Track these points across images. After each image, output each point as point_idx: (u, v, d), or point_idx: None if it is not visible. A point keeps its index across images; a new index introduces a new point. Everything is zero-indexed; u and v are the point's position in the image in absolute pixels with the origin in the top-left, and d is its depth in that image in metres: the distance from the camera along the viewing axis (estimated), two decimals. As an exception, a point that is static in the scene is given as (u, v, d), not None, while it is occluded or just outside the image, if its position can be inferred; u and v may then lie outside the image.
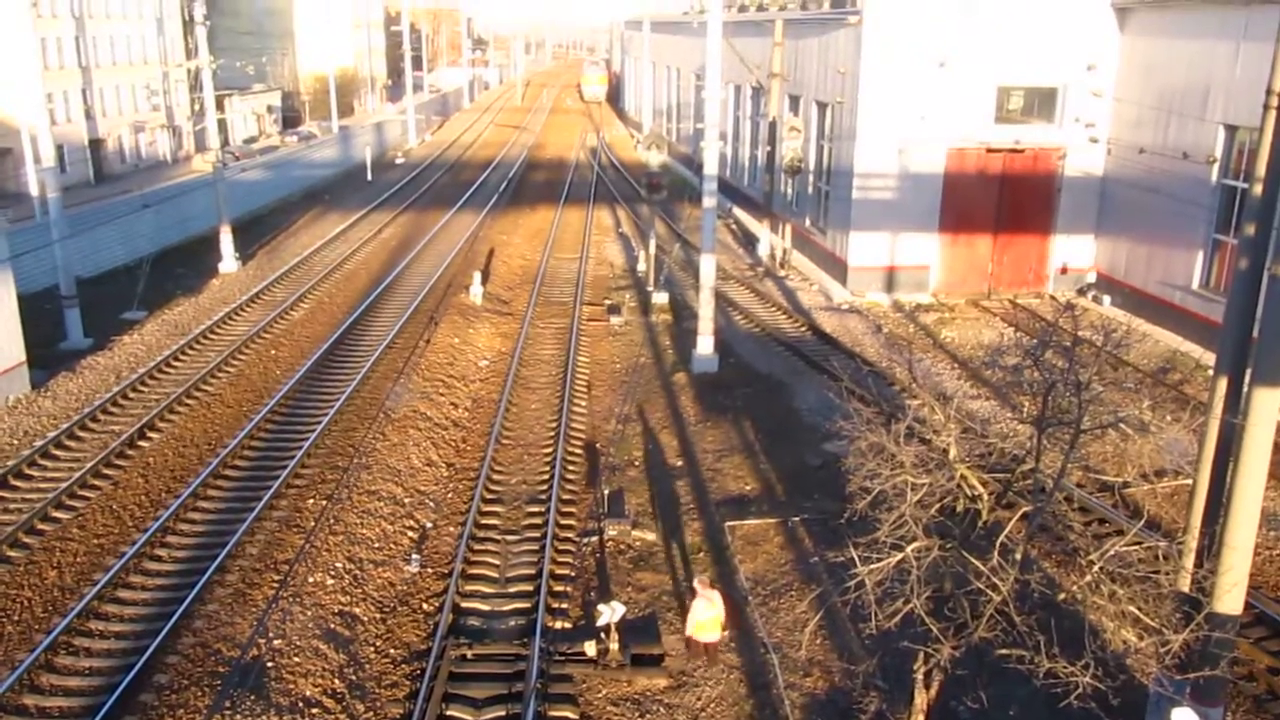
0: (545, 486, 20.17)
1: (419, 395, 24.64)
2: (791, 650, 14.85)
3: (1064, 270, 34.67)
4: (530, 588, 16.63)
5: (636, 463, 21.58)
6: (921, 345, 29.74)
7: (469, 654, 14.80)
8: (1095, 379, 11.36)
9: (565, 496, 19.84)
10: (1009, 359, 12.53)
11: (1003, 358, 12.96)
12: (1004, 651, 11.04)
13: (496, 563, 17.39)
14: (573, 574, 16.95)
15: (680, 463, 21.61)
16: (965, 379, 26.66)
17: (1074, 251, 34.39)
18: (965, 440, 12.20)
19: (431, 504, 19.65)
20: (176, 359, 27.04)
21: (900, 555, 11.12)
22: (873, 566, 11.15)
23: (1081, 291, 34.36)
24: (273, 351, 28.03)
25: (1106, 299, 33.31)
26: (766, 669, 14.58)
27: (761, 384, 26.26)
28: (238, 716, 13.35)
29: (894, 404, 16.56)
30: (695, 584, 14.92)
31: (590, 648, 14.56)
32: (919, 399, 12.41)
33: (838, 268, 35.94)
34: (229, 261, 37.81)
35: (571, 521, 18.95)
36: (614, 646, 14.44)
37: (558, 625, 15.39)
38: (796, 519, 18.69)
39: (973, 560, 11.11)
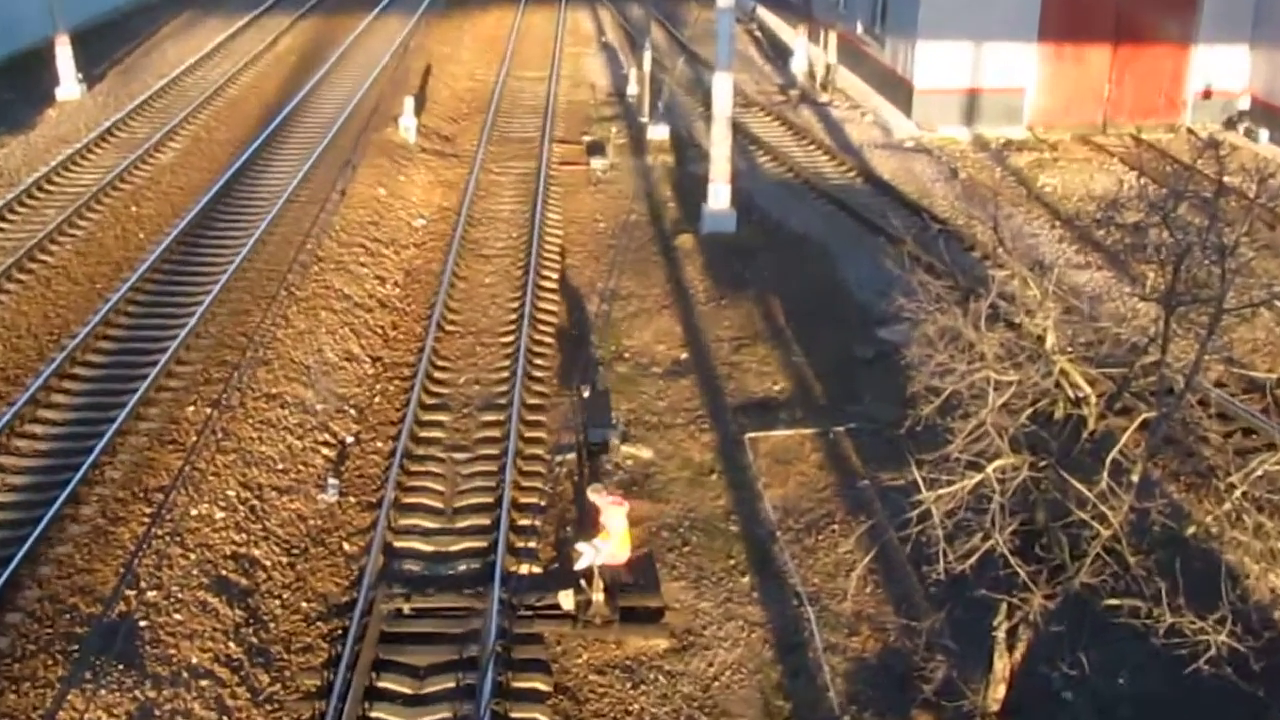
0: (505, 387, 20.29)
1: (333, 266, 24.61)
2: (833, 601, 15.11)
3: (1207, 94, 34.26)
4: (486, 521, 16.82)
5: (627, 355, 21.72)
6: (1012, 196, 29.56)
7: (406, 608, 15.01)
8: (1245, 242, 11.22)
9: (532, 401, 19.97)
10: (1129, 215, 12.35)
11: (1121, 213, 12.75)
12: (1113, 602, 11.16)
13: (441, 489, 17.55)
14: (543, 503, 17.15)
15: (685, 355, 21.73)
16: (1069, 242, 26.57)
17: (1221, 69, 33.90)
18: (1067, 324, 12.10)
19: (352, 411, 19.80)
20: (2, 221, 26.73)
21: (978, 477, 11.16)
22: (942, 492, 11.20)
23: (1230, 123, 34.02)
24: (133, 209, 27.74)
25: (1264, 133, 32.98)
26: (799, 625, 14.86)
27: (795, 249, 26.22)
28: (102, 691, 13.51)
29: (973, 276, 16.45)
30: (590, 491, 15.27)
31: (567, 599, 14.78)
32: (1006, 269, 12.30)
33: (900, 91, 35.49)
34: (69, 85, 36.99)
35: (540, 434, 19.12)
36: (598, 597, 14.65)
37: (524, 570, 15.61)
38: (840, 429, 18.88)
39: (1074, 483, 11.13)
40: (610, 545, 14.81)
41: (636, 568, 15.78)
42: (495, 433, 19.01)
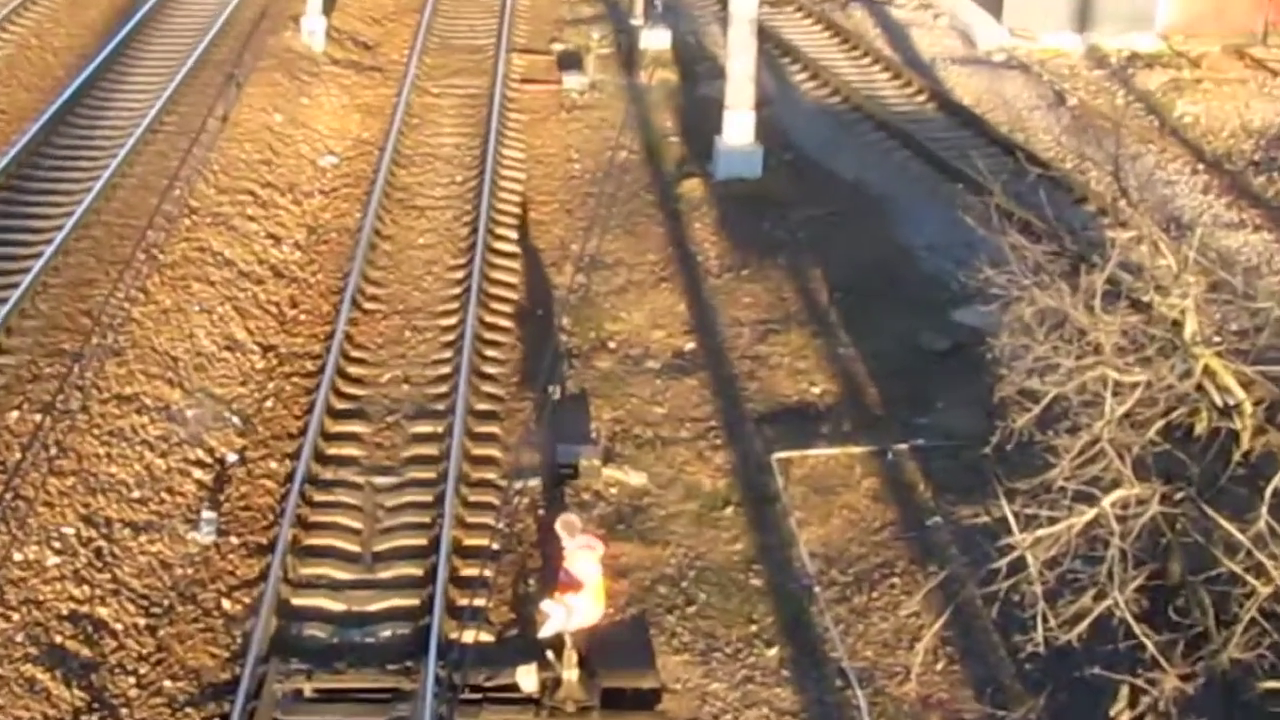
0: (444, 388, 20.32)
1: (209, 221, 24.52)
2: (891, 683, 15.06)
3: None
4: (419, 571, 16.82)
5: (612, 344, 21.74)
6: (1139, 130, 29.53)
7: (307, 689, 14.98)
8: None
9: (482, 407, 20.04)
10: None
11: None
12: (1273, 685, 11.19)
13: (357, 527, 17.56)
14: (496, 547, 17.14)
15: (691, 345, 21.71)
16: (1217, 193, 26.54)
17: None
18: (1214, 306, 12.10)
19: (236, 420, 19.80)
20: None
21: (1090, 513, 11.16)
22: (1041, 534, 11.21)
23: None
24: (-65, 140, 27.63)
25: None
26: (845, 715, 14.80)
27: (842, 201, 26.25)
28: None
29: (1085, 239, 16.42)
30: (559, 524, 15.22)
31: (528, 678, 14.73)
32: (1131, 229, 12.30)
33: (987, -16, 35.53)
34: None
35: (492, 452, 19.13)
36: (570, 675, 14.60)
37: (469, 638, 15.56)
38: (902, 447, 18.87)
39: (1221, 523, 11.14)
40: (586, 604, 14.80)
41: (622, 635, 15.69)
42: (431, 450, 18.98)
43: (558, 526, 15.31)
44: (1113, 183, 21.93)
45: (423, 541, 17.25)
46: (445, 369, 20.80)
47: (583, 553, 14.81)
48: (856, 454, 18.83)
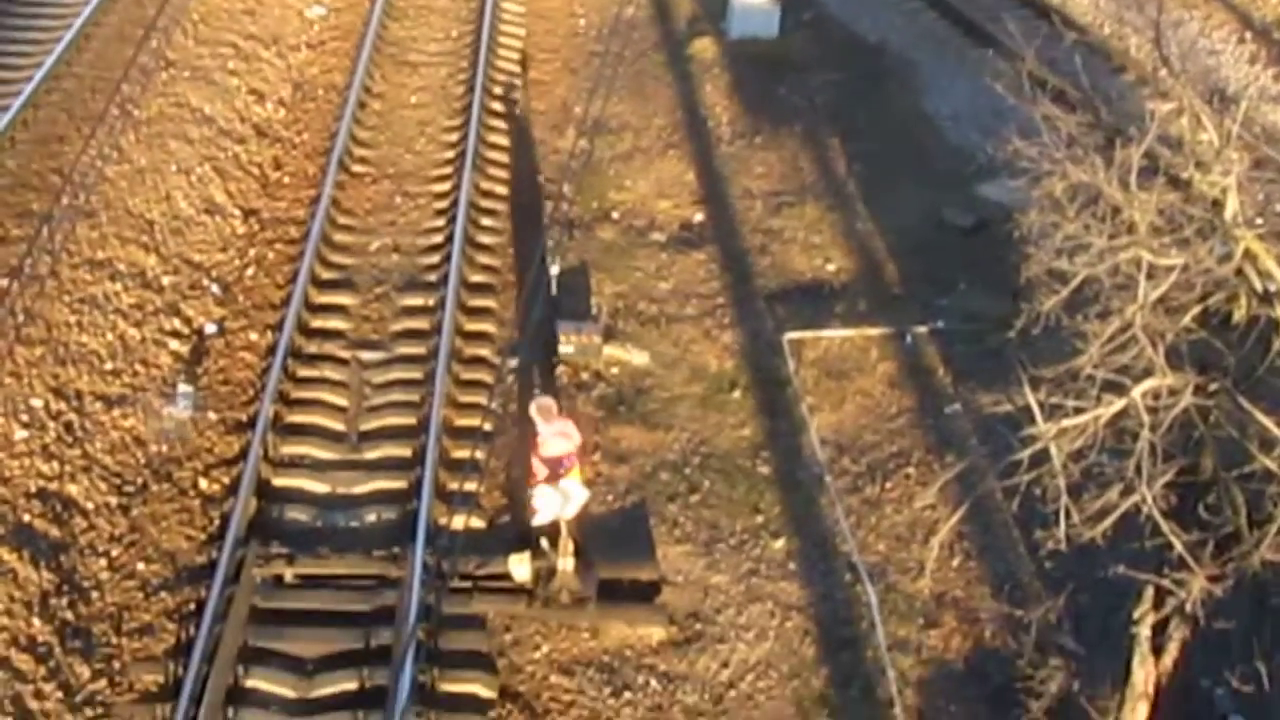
0: (436, 258, 20.32)
1: (188, 74, 24.42)
2: (904, 578, 15.22)
3: None
4: (407, 451, 16.92)
5: (615, 214, 21.69)
6: (1182, -8, 29.17)
7: (288, 575, 15.14)
8: None
9: (477, 279, 20.04)
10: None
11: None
12: (1306, 589, 11.24)
13: (342, 404, 17.61)
14: (489, 428, 17.19)
15: (700, 216, 21.71)
16: (1263, 63, 26.28)
17: None
18: (1257, 184, 12.04)
19: (215, 288, 19.81)
20: None
21: (1119, 404, 11.10)
22: (1067, 424, 11.15)
23: None
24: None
25: None
26: (855, 612, 14.97)
27: (864, 64, 26.06)
28: None
29: (1119, 110, 16.25)
30: (535, 408, 15.44)
31: (521, 566, 14.87)
32: (1171, 100, 12.13)
33: None
34: None
35: (486, 327, 19.18)
36: (566, 565, 14.72)
37: (459, 524, 15.67)
38: (921, 330, 18.93)
39: (1259, 416, 11.07)
40: (581, 490, 14.88)
41: (621, 524, 15.86)
42: (422, 323, 19.03)
43: (532, 410, 15.48)
44: (1153, 50, 21.66)
45: (412, 421, 17.32)
46: (438, 238, 20.75)
47: (558, 440, 14.90)
48: (873, 336, 18.84)
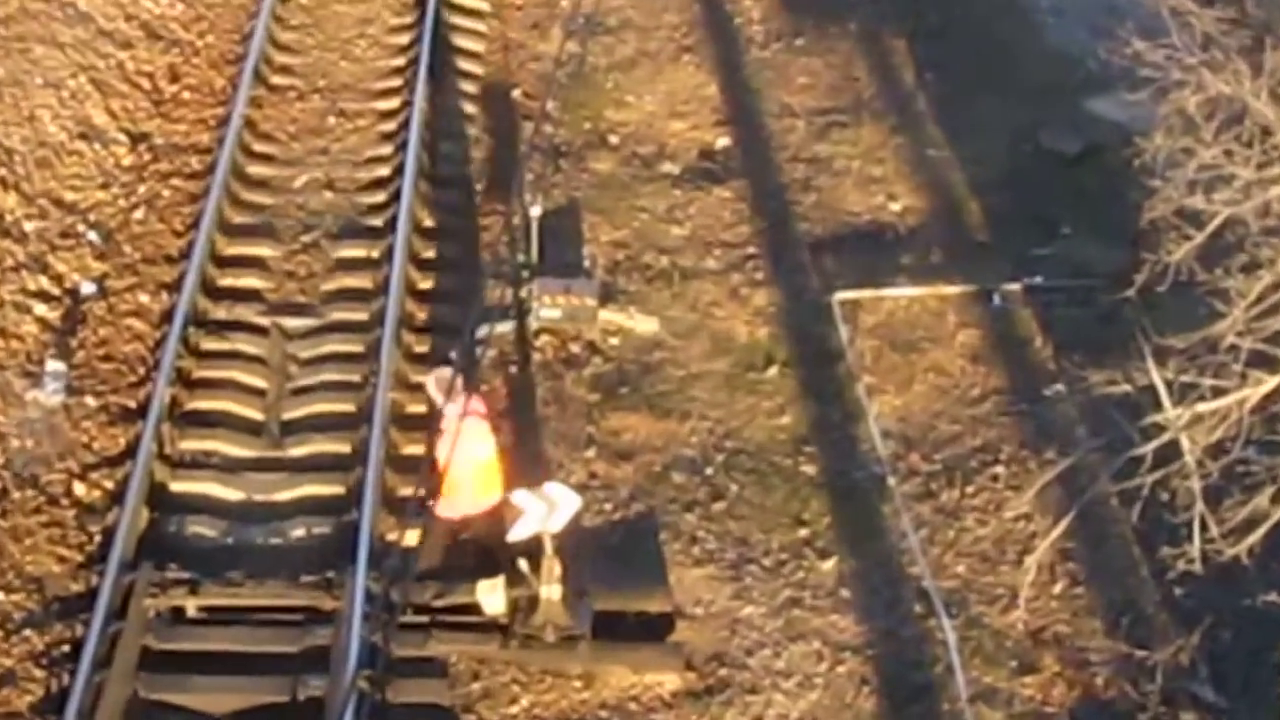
0: (382, 196, 20.39)
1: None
2: (991, 610, 15.21)
3: None
4: (344, 448, 16.98)
5: (614, 138, 21.73)
6: None
7: (190, 607, 15.16)
8: None
9: (434, 224, 20.15)
10: None
11: None
12: None
13: (260, 386, 17.65)
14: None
15: (725, 140, 21.72)
16: None
17: None
18: None
19: (94, 235, 19.85)
20: None
21: (1270, 383, 11.14)
22: (1202, 409, 11.24)
23: None
24: None
25: None
26: (927, 652, 14.93)
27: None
28: None
29: (1273, 3, 16.25)
30: (432, 382, 15.64)
31: (493, 594, 14.90)
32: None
33: None
34: None
35: (448, 284, 19.27)
36: (551, 592, 14.68)
37: (412, 541, 15.66)
38: (1013, 287, 19.00)
39: None
40: (571, 496, 14.90)
41: (623, 540, 15.92)
42: (363, 281, 19.08)
43: (430, 385, 15.71)
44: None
45: (350, 408, 17.34)
46: (384, 169, 20.80)
47: (471, 423, 14.81)
48: (949, 296, 18.87)
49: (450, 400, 14.70)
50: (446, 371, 15.85)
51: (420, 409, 17.27)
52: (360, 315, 18.52)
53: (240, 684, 14.50)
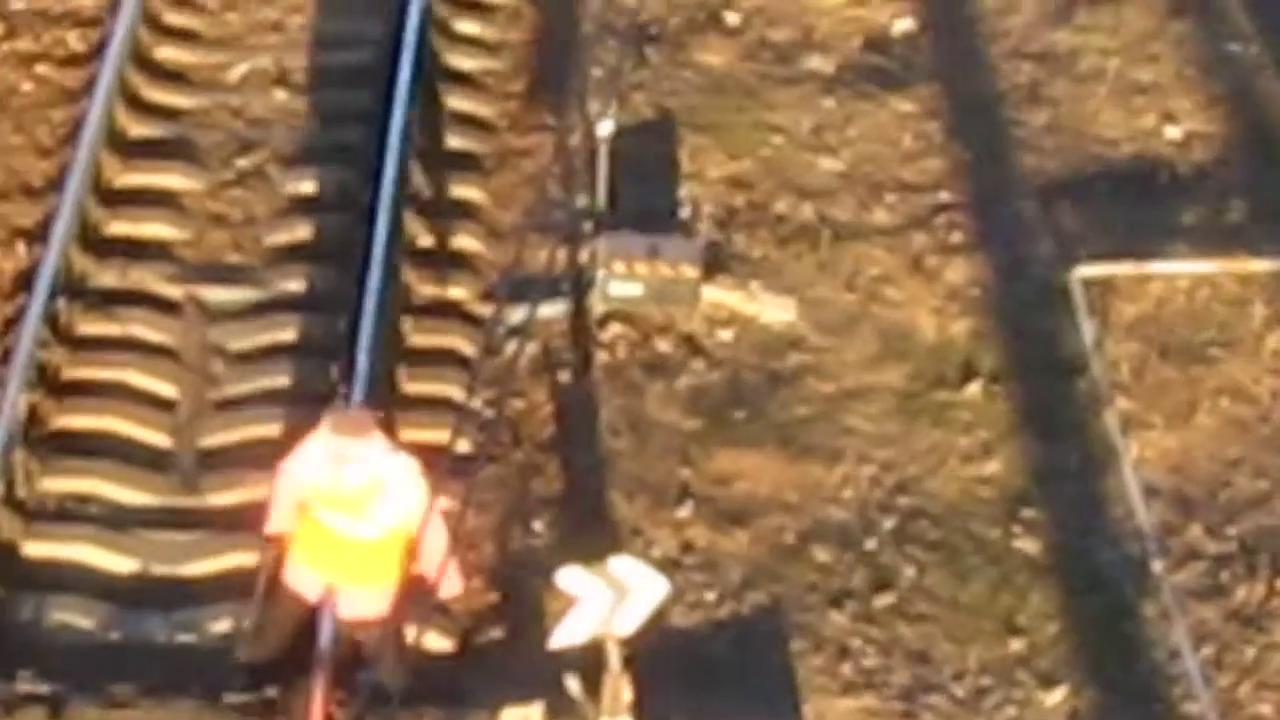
0: (365, 96, 20.61)
1: None
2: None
3: None
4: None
5: (731, 17, 21.77)
6: None
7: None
8: None
9: (449, 145, 20.25)
10: None
11: None
12: None
13: (166, 394, 17.71)
14: (468, 447, 17.41)
15: (907, 24, 21.80)
16: None
17: None
18: None
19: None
20: None
21: None
22: None
23: None
24: None
25: None
26: None
27: None
28: None
29: None
30: (328, 424, 15.23)
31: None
32: None
33: None
34: None
35: (468, 242, 19.43)
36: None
37: (410, 642, 15.65)
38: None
39: None
40: (652, 577, 14.77)
41: (730, 651, 15.85)
42: (331, 229, 19.30)
43: (326, 422, 15.35)
44: None
45: (304, 430, 17.22)
46: (365, 55, 21.01)
47: (414, 486, 14.82)
48: (1257, 275, 18.89)
49: (362, 437, 14.86)
50: (364, 412, 15.83)
51: (420, 435, 17.27)
52: (325, 283, 18.72)
53: None
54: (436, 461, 16.06)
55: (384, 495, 14.82)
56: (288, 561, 15.12)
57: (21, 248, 18.93)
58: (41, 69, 20.91)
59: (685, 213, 19.24)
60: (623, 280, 18.34)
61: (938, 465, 17.38)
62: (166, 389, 17.64)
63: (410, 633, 15.45)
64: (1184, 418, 17.72)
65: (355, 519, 14.86)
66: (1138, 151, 20.09)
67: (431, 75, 20.62)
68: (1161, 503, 16.99)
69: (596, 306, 18.45)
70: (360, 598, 15.05)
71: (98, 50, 20.66)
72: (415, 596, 14.92)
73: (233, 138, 20.19)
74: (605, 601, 14.61)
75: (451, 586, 14.99)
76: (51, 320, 17.83)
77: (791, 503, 17.02)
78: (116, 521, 16.85)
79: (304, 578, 15.13)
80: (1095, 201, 19.65)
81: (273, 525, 15.35)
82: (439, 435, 17.22)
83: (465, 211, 19.77)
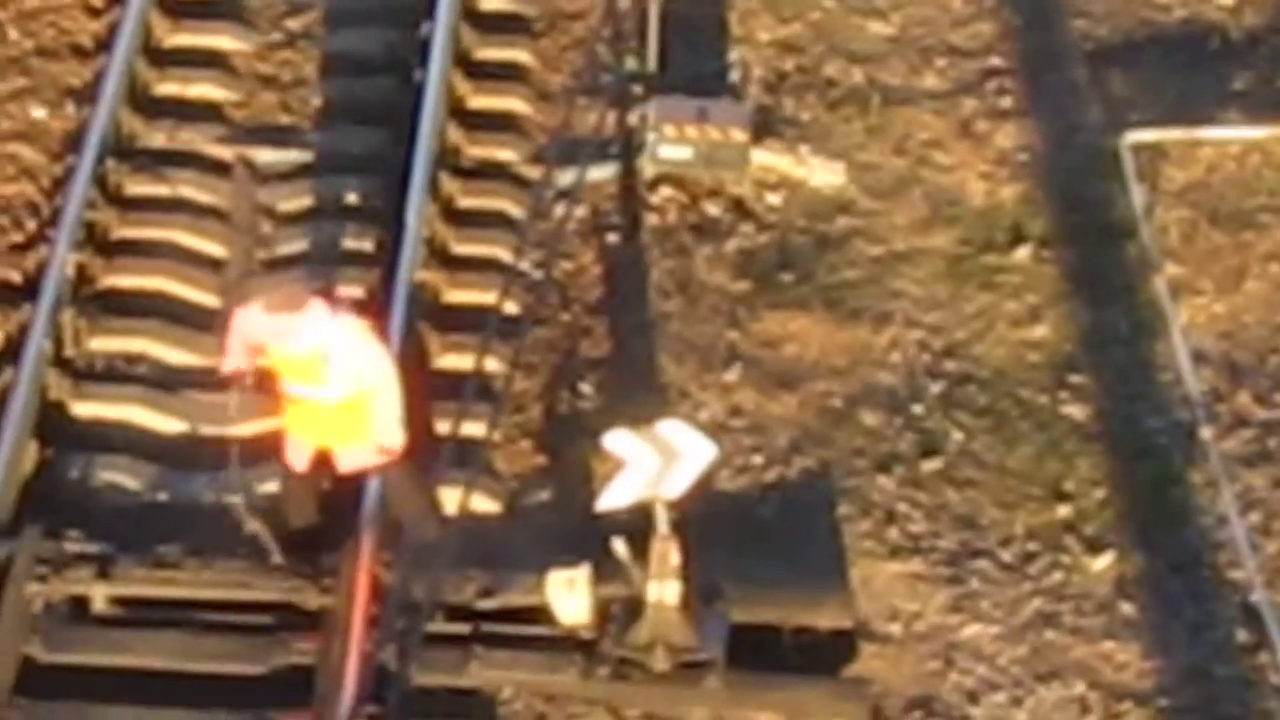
0: None
1: None
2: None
3: None
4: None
5: None
6: None
7: (96, 597, 15.19)
8: None
9: (496, 6, 20.16)
10: None
11: None
12: None
13: (215, 254, 17.71)
14: (517, 309, 17.20)
15: None
16: None
17: None
18: None
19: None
20: None
21: None
22: None
23: None
24: None
25: None
26: (1252, 696, 14.84)
27: None
28: None
29: None
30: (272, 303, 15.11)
31: (572, 594, 14.81)
32: None
33: None
34: None
35: (516, 105, 19.34)
36: (663, 592, 14.52)
37: (452, 505, 15.65)
38: None
39: None
40: (699, 441, 14.66)
41: (777, 515, 15.87)
42: (379, 91, 19.24)
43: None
44: None
45: (351, 292, 17.35)
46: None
47: (361, 344, 14.91)
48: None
49: (296, 303, 14.91)
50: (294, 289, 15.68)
51: (461, 298, 17.52)
52: (373, 143, 18.73)
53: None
54: (484, 322, 16.26)
55: (332, 359, 14.90)
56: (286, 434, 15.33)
57: (71, 108, 18.96)
58: (92, -71, 20.76)
59: (735, 76, 19.16)
60: (672, 143, 18.31)
61: (986, 330, 17.34)
62: (215, 249, 17.64)
63: (435, 487, 15.64)
64: (1233, 284, 17.67)
65: (314, 385, 15.02)
66: (1189, 16, 19.97)
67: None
68: (1210, 369, 16.97)
69: (646, 169, 18.42)
70: (350, 455, 15.28)
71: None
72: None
73: (274, -1, 20.04)
74: (653, 465, 14.55)
75: (392, 438, 15.08)
76: (100, 180, 17.85)
77: (839, 366, 17.01)
78: (164, 382, 16.90)
79: (297, 445, 15.35)
80: (1146, 67, 19.55)
81: (227, 365, 15.58)
82: (487, 296, 17.23)
83: (514, 74, 19.66)
